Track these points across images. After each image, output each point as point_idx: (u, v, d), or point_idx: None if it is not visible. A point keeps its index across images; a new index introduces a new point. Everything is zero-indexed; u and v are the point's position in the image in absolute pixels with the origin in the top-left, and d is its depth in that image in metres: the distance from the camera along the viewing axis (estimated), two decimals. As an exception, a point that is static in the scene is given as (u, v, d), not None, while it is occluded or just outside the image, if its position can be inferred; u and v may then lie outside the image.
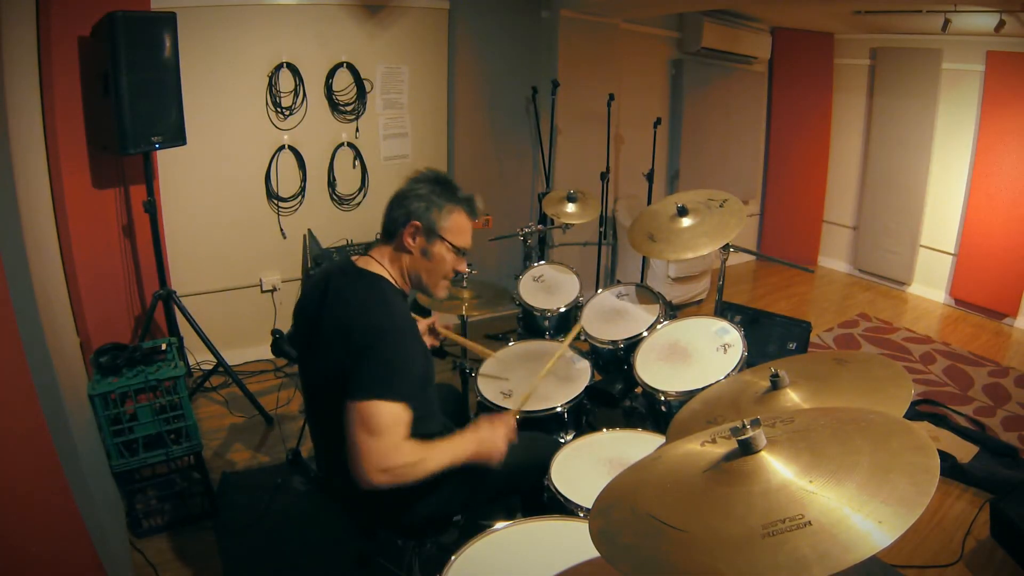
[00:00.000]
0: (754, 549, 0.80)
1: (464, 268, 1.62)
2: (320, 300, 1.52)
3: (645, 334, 2.27)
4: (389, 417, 1.36)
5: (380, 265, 1.55)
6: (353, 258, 1.58)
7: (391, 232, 1.54)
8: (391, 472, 1.36)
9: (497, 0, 3.92)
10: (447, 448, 1.48)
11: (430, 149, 4.02)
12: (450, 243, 1.55)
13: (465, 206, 1.56)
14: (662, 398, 1.97)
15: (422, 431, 1.52)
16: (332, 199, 3.74)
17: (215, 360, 3.18)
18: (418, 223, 1.51)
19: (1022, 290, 4.37)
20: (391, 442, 1.35)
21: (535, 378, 2.07)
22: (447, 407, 1.98)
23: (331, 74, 3.55)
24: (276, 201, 3.57)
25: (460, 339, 2.18)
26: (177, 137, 2.88)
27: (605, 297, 2.59)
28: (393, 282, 1.54)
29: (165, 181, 3.16)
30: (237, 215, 3.49)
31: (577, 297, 2.66)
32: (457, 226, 1.54)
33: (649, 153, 4.24)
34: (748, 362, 1.95)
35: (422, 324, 1.93)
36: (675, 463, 1.05)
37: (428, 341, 1.94)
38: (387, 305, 1.47)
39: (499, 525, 1.42)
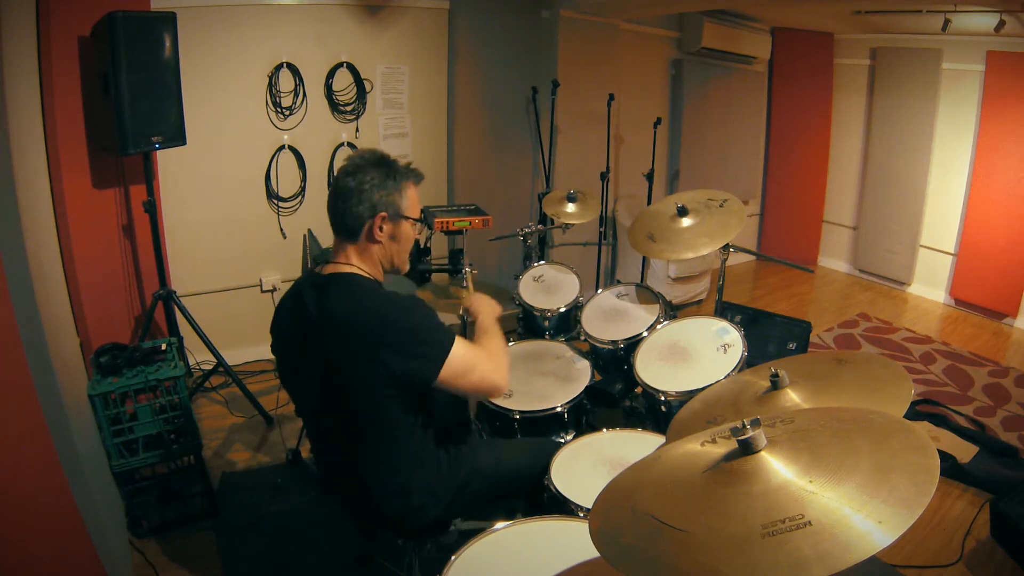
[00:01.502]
0: (754, 549, 0.80)
1: (419, 234, 1.67)
2: (302, 323, 1.49)
3: (645, 334, 2.27)
4: (465, 354, 1.48)
5: (349, 265, 1.52)
6: (317, 270, 1.55)
7: (353, 230, 1.50)
8: (500, 373, 1.55)
9: (497, 0, 3.92)
10: (486, 335, 1.68)
11: (430, 149, 4.02)
12: (412, 218, 1.57)
13: (413, 178, 1.56)
14: (662, 398, 1.97)
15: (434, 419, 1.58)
16: (332, 199, 3.73)
17: (215, 360, 3.18)
18: (384, 213, 1.50)
19: (1022, 290, 4.37)
20: (481, 355, 1.53)
21: None
22: (447, 407, 1.97)
23: (331, 74, 3.55)
24: (276, 201, 3.57)
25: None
26: (177, 137, 2.88)
27: (605, 297, 2.59)
28: (366, 275, 1.52)
29: (165, 181, 3.16)
30: (237, 215, 3.49)
31: (577, 297, 2.66)
32: (412, 200, 1.56)
33: (649, 153, 4.24)
34: (748, 362, 1.95)
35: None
36: (675, 463, 1.05)
37: (478, 300, 1.90)
38: (378, 296, 1.48)
39: (499, 525, 1.42)
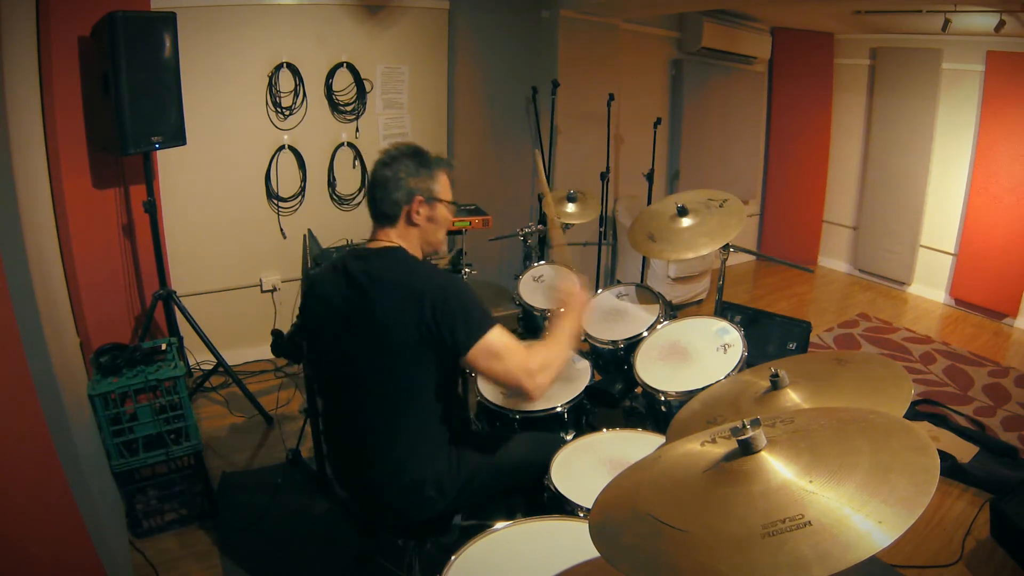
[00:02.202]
0: (754, 549, 0.80)
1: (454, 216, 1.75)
2: (350, 288, 1.57)
3: (645, 334, 2.27)
4: (501, 339, 1.50)
5: (389, 242, 1.62)
6: (359, 246, 1.67)
7: (392, 215, 1.60)
8: (542, 370, 1.53)
9: (497, 0, 3.92)
10: (559, 334, 1.65)
11: (430, 149, 4.00)
12: (446, 201, 1.67)
13: (444, 165, 1.68)
14: (662, 398, 1.97)
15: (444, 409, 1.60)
16: (332, 199, 3.74)
17: (215, 360, 3.18)
18: (421, 196, 1.60)
19: (1022, 290, 4.37)
20: (520, 352, 1.51)
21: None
22: (452, 406, 1.98)
23: (331, 74, 3.55)
24: (276, 201, 3.57)
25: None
26: (177, 137, 2.88)
27: (605, 297, 2.59)
28: (407, 251, 1.62)
29: (165, 181, 3.16)
30: (237, 215, 3.49)
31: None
32: (445, 185, 1.67)
33: (649, 153, 4.24)
34: (748, 362, 1.95)
35: (572, 282, 1.84)
36: (675, 463, 1.05)
37: (581, 298, 1.82)
38: (427, 265, 1.61)
39: (499, 525, 1.42)
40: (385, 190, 1.59)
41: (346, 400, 1.66)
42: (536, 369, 1.52)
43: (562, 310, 1.74)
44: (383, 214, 1.61)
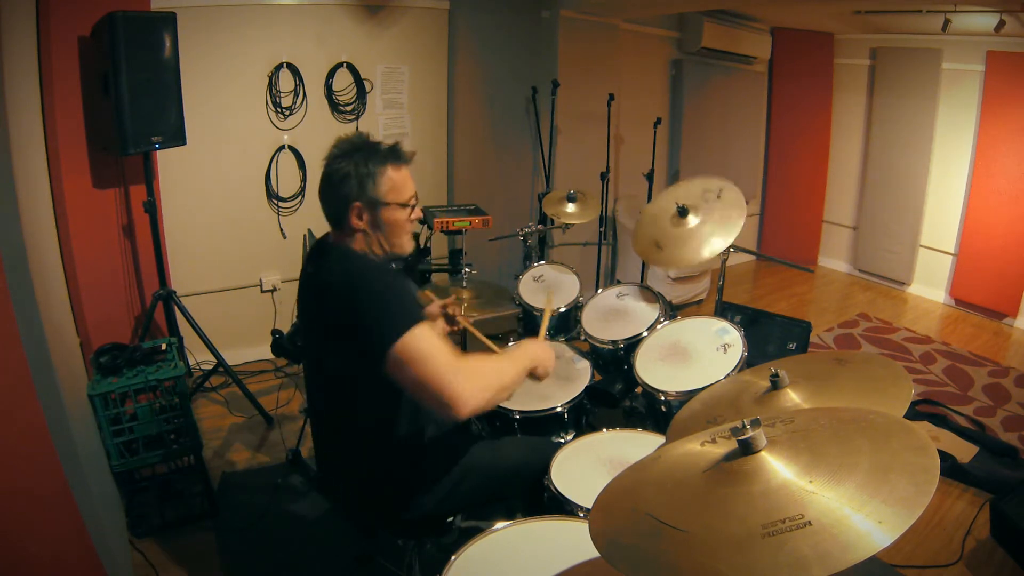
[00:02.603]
0: (754, 549, 0.80)
1: (420, 213, 1.59)
2: (306, 287, 1.56)
3: (645, 334, 2.27)
4: (425, 340, 1.32)
5: (342, 242, 1.53)
6: (322, 237, 1.60)
7: (335, 220, 1.50)
8: (471, 382, 1.32)
9: (497, 0, 3.92)
10: (507, 357, 1.50)
11: (430, 149, 4.02)
12: (395, 203, 1.49)
13: (392, 160, 1.48)
14: (662, 398, 1.97)
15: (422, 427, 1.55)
16: (332, 199, 3.73)
17: (215, 360, 3.18)
18: (358, 203, 1.45)
19: (1022, 290, 4.37)
20: (445, 357, 1.32)
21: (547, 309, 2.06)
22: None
23: (331, 74, 3.55)
24: (276, 201, 3.57)
25: (476, 331, 2.01)
26: (177, 137, 2.88)
27: (605, 297, 2.59)
28: (358, 251, 1.51)
29: (165, 181, 3.16)
30: (237, 215, 3.49)
31: (577, 297, 2.66)
32: (393, 184, 1.48)
33: (649, 153, 4.24)
34: (748, 362, 1.95)
35: (434, 306, 1.89)
36: (675, 463, 1.05)
37: (441, 327, 1.89)
38: (358, 262, 1.46)
39: (499, 525, 1.42)
40: (326, 191, 1.48)
41: (314, 399, 1.68)
42: (464, 379, 1.31)
43: (527, 344, 1.60)
44: (330, 218, 1.51)
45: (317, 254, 1.55)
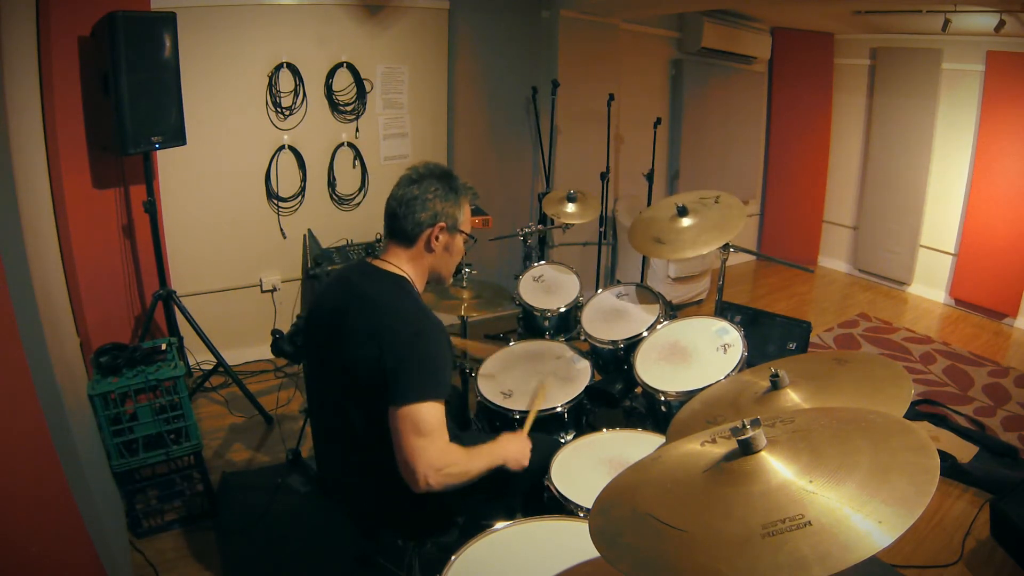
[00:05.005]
0: (754, 549, 0.80)
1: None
2: (344, 300, 1.53)
3: (645, 334, 2.27)
4: (436, 418, 1.39)
5: (398, 268, 1.56)
6: (368, 260, 1.61)
7: (411, 237, 1.54)
8: (443, 472, 1.39)
9: (497, 0, 3.92)
10: (485, 453, 1.54)
11: (430, 149, 4.01)
12: (466, 234, 1.63)
13: (471, 195, 1.63)
14: (662, 398, 1.97)
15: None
16: (332, 199, 3.74)
17: (215, 360, 3.18)
18: (443, 224, 1.55)
19: (1022, 290, 4.37)
20: (441, 442, 1.40)
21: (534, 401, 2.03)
22: (448, 407, 1.97)
23: (331, 74, 3.55)
24: (276, 201, 3.57)
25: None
26: (177, 137, 2.88)
27: (605, 297, 2.59)
28: (412, 283, 1.56)
29: (165, 181, 3.16)
30: (237, 215, 3.49)
31: (577, 297, 2.66)
32: (467, 216, 1.62)
33: (649, 153, 4.24)
34: (748, 362, 1.95)
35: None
36: (675, 463, 1.05)
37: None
38: (420, 307, 1.50)
39: (499, 525, 1.42)
40: (410, 208, 1.52)
41: (327, 408, 1.66)
42: (444, 466, 1.39)
43: (507, 438, 1.66)
44: (402, 233, 1.54)
45: (368, 277, 1.55)
